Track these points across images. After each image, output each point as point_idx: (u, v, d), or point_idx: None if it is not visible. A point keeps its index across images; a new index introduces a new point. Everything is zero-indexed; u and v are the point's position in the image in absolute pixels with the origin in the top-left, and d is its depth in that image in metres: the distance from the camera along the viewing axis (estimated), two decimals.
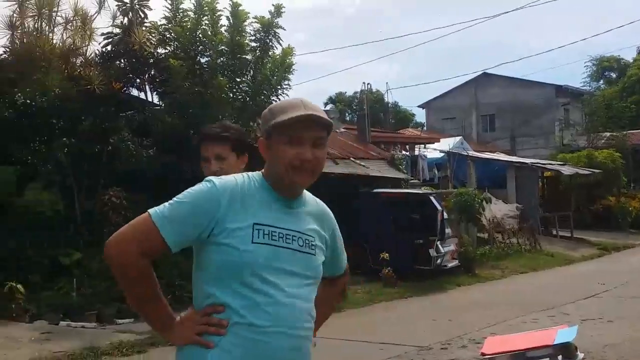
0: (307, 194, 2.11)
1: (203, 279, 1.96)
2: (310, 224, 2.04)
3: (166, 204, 1.93)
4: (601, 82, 38.09)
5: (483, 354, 3.06)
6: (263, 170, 2.05)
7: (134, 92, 13.04)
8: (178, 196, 1.95)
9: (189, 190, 1.97)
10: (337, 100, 44.80)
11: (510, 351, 3.00)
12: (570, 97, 34.20)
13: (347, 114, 40.48)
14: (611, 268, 14.56)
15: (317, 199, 2.15)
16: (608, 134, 28.19)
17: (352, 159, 15.18)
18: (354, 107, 43.31)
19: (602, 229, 22.05)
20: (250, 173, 2.06)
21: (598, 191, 24.12)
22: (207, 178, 2.00)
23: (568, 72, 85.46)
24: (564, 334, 2.99)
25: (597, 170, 22.84)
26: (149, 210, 1.92)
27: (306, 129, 1.95)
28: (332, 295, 2.28)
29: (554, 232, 20.32)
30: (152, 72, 12.98)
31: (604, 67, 37.79)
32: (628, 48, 60.13)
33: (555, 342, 2.95)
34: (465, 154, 21.14)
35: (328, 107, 40.90)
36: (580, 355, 2.97)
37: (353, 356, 7.31)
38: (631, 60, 36.76)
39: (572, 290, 11.39)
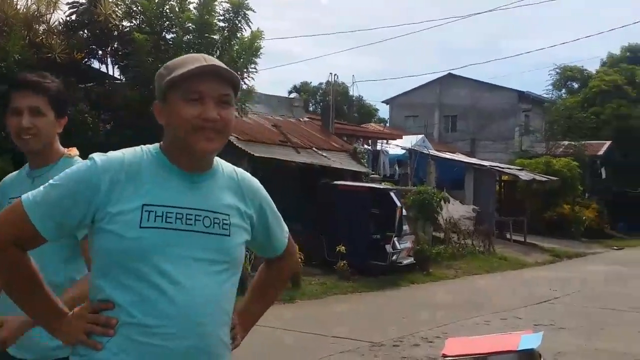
0: (222, 164, 1.83)
1: (93, 270, 1.72)
2: (225, 200, 1.75)
3: (41, 187, 1.69)
4: (563, 91, 38.77)
5: (444, 356, 2.93)
6: (162, 142, 1.77)
7: (96, 64, 12.70)
8: (54, 178, 1.70)
9: (66, 170, 1.71)
10: (302, 89, 44.52)
11: (472, 354, 2.88)
12: (532, 104, 34.71)
13: (310, 104, 40.27)
14: (563, 275, 14.76)
15: (239, 170, 1.87)
16: (567, 142, 28.71)
17: (314, 149, 15.01)
18: (319, 98, 43.19)
19: (555, 236, 22.46)
20: (145, 146, 1.79)
21: (553, 198, 24.55)
22: (90, 155, 1.73)
23: (531, 79, 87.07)
24: (528, 340, 2.89)
25: (554, 178, 23.24)
26: (22, 196, 1.69)
27: (209, 84, 1.69)
28: (273, 280, 2.02)
29: (508, 236, 20.58)
30: (116, 45, 12.62)
31: (567, 76, 38.45)
32: (592, 59, 61.42)
33: (519, 348, 2.84)
34: (427, 152, 21.22)
35: (292, 95, 40.69)
36: None
37: (304, 348, 7.17)
38: (594, 72, 37.52)
39: (525, 295, 11.49)
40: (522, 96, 34.36)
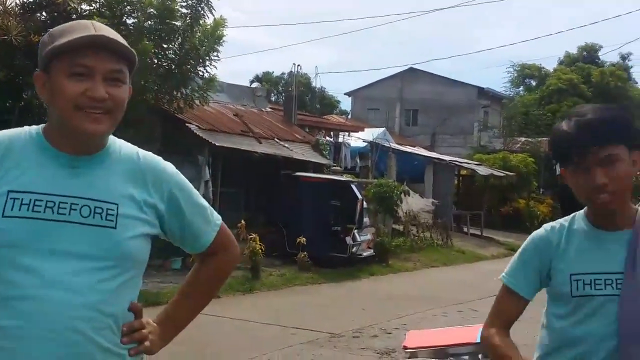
0: (122, 146, 1.62)
1: None
2: (114, 187, 1.54)
3: None
4: (521, 88, 39.51)
5: (405, 348, 2.97)
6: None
7: None
8: None
9: None
10: (264, 79, 44.30)
11: (433, 346, 2.92)
12: (491, 100, 35.30)
13: (273, 94, 40.12)
14: None
15: (145, 153, 1.65)
16: (523, 139, 29.31)
17: (276, 139, 14.96)
18: (281, 88, 43.04)
19: (510, 230, 22.91)
20: (29, 127, 1.59)
21: (510, 193, 25.07)
22: None
23: (490, 76, 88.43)
24: None
25: (511, 173, 23.72)
26: None
27: (97, 58, 1.48)
28: (203, 280, 1.75)
29: (466, 230, 20.92)
30: None
31: (525, 74, 39.19)
32: (549, 58, 62.76)
33: (477, 340, 2.89)
34: (388, 145, 21.38)
35: (254, 85, 40.45)
36: None
37: (264, 339, 7.16)
38: (551, 70, 38.33)
39: (481, 288, 11.67)
40: (482, 92, 34.90)
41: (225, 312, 8.48)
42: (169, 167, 1.68)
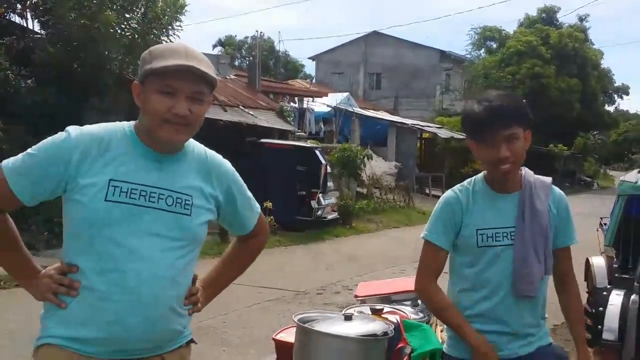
0: (195, 146, 1.95)
1: (64, 234, 1.85)
2: (190, 181, 1.88)
3: (21, 154, 1.81)
4: (482, 50, 40.04)
5: (356, 296, 3.41)
6: (137, 120, 1.89)
7: (16, 18, 12.32)
8: (33, 147, 1.82)
9: (44, 140, 1.82)
10: (227, 43, 43.91)
11: (379, 294, 3.36)
12: (453, 63, 35.77)
13: (237, 59, 39.90)
14: None
15: (210, 152, 1.99)
16: None
17: (241, 107, 15.19)
18: (244, 52, 42.76)
19: None
20: (122, 123, 1.90)
21: (470, 155, 25.66)
22: (67, 128, 1.84)
23: (452, 41, 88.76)
24: None
25: None
26: (2, 162, 1.82)
27: (184, 81, 1.79)
28: (242, 255, 2.17)
29: (427, 191, 21.57)
30: (35, 0, 12.27)
31: (486, 36, 39.68)
32: (509, 23, 63.41)
33: None
34: (351, 110, 21.74)
35: (217, 51, 40.13)
36: None
37: (233, 298, 7.55)
38: (512, 33, 38.86)
39: None
40: (444, 55, 35.31)
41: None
42: (228, 164, 2.03)
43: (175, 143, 1.85)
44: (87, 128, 1.85)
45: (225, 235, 11.18)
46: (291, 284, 8.33)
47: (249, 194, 2.09)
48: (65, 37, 11.23)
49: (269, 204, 12.35)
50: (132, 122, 1.90)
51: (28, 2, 12.24)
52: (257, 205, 2.13)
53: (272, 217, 12.39)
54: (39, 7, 11.98)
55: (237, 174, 2.05)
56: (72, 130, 1.83)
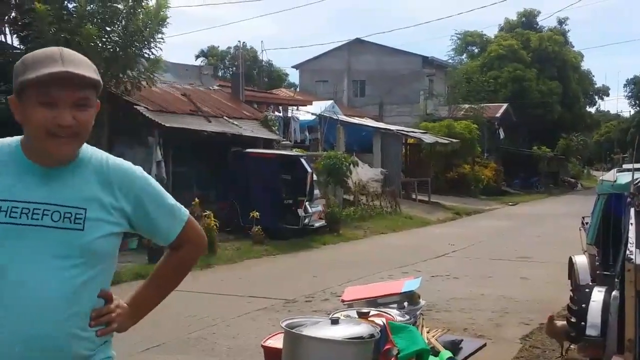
0: (93, 154, 1.80)
1: None
2: (83, 193, 1.73)
3: None
4: (464, 55, 40.39)
5: (343, 301, 3.44)
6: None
7: None
8: None
9: None
10: (210, 54, 43.94)
11: (365, 298, 3.40)
12: (436, 69, 36.03)
13: (220, 69, 39.91)
14: (461, 231, 15.89)
15: (113, 159, 1.82)
16: (467, 106, 30.19)
17: (225, 117, 15.20)
18: (227, 62, 42.79)
19: (456, 194, 23.83)
20: (9, 138, 1.78)
21: (455, 159, 25.95)
22: None
23: (434, 47, 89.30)
24: (409, 284, 3.44)
25: (455, 140, 24.54)
26: None
27: (63, 88, 1.65)
28: (172, 268, 1.97)
29: (414, 197, 21.66)
30: (14, 14, 12.24)
31: (468, 41, 40.05)
32: (490, 27, 64.07)
33: (402, 291, 3.38)
34: (336, 118, 21.81)
35: (200, 61, 40.12)
36: (422, 302, 3.42)
37: (222, 308, 7.58)
38: (493, 37, 39.25)
39: (426, 250, 12.37)
40: (426, 61, 35.55)
41: (184, 286, 8.66)
42: (137, 171, 1.84)
43: (64, 156, 1.72)
44: None
45: (213, 245, 11.16)
46: (280, 293, 8.34)
47: (170, 201, 1.90)
48: None
49: (255, 214, 12.39)
50: (19, 137, 1.77)
51: (6, 18, 12.21)
52: (184, 213, 1.93)
53: (258, 226, 12.42)
54: (18, 22, 11.95)
55: (149, 179, 1.87)
56: None
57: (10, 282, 1.63)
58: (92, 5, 11.59)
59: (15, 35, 12.45)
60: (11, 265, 1.63)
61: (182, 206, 1.95)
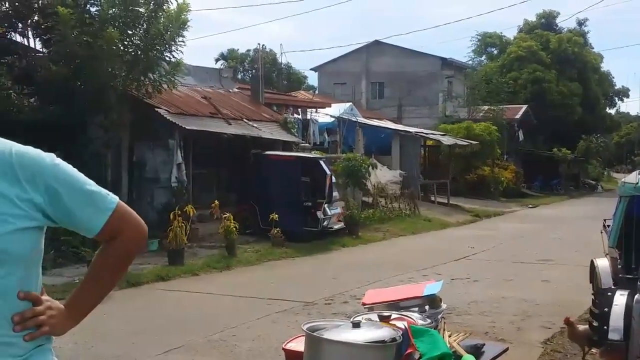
0: None
1: None
2: None
3: None
4: (484, 57, 40.17)
5: (364, 304, 3.45)
6: None
7: (17, 38, 12.48)
8: None
9: None
10: (230, 57, 44.19)
11: (386, 301, 3.41)
12: (455, 70, 35.87)
13: (239, 72, 40.12)
14: (481, 233, 15.80)
15: (18, 148, 1.65)
16: (486, 107, 30.00)
17: (245, 120, 15.27)
18: (247, 65, 42.98)
19: (476, 196, 23.68)
20: None
21: (474, 161, 25.82)
22: None
23: (453, 48, 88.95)
24: (431, 288, 3.44)
25: (475, 142, 24.41)
26: None
27: None
28: (103, 264, 1.79)
29: (432, 199, 21.58)
30: (37, 18, 12.44)
31: (487, 42, 39.83)
32: (509, 28, 63.64)
33: (423, 294, 3.39)
34: (355, 120, 21.81)
35: (220, 64, 40.34)
36: (444, 305, 3.42)
37: (241, 310, 7.62)
38: (512, 38, 39.00)
39: (446, 253, 12.33)
40: (445, 63, 35.40)
41: (204, 288, 8.94)
42: (46, 159, 1.66)
43: None
44: None
45: (232, 248, 11.24)
46: (299, 295, 8.36)
47: (89, 187, 1.70)
48: (68, 55, 11.35)
49: (274, 216, 12.44)
50: None
51: (29, 21, 12.40)
52: (110, 201, 1.72)
53: (278, 228, 12.46)
54: (41, 26, 12.13)
55: (62, 166, 1.68)
56: None
57: None
58: (114, 9, 11.76)
59: (38, 39, 12.64)
60: None
61: (110, 193, 1.74)
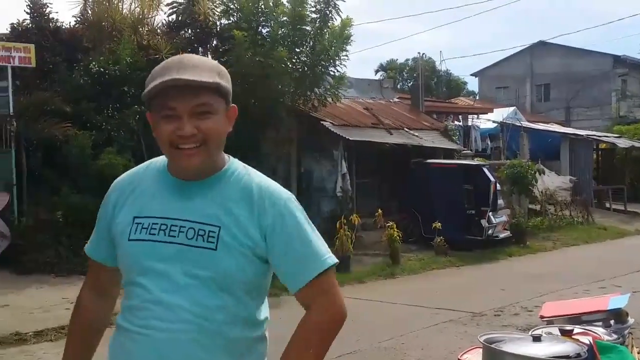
0: (236, 171, 1.68)
1: None
2: (221, 211, 1.60)
3: None
4: None
5: (542, 317, 3.40)
6: None
7: None
8: None
9: None
10: (389, 67, 44.55)
11: (567, 315, 3.32)
12: (629, 68, 33.27)
13: (398, 82, 40.32)
14: None
15: (259, 179, 1.67)
16: None
17: (405, 129, 15.39)
18: (406, 75, 43.09)
19: None
20: (160, 157, 1.74)
21: None
22: None
23: (625, 46, 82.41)
24: (616, 301, 3.30)
25: None
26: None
27: (180, 97, 1.55)
28: (297, 334, 1.65)
29: (607, 205, 20.17)
30: (215, 42, 13.52)
31: None
32: None
33: (608, 308, 3.26)
34: (519, 124, 21.04)
35: (380, 75, 40.83)
36: (631, 320, 3.27)
37: (409, 319, 7.71)
38: None
39: (624, 263, 11.49)
40: (618, 60, 32.99)
41: (370, 295, 9.15)
42: (283, 197, 1.64)
43: (193, 168, 1.60)
44: (130, 170, 1.80)
45: (396, 256, 11.37)
46: (466, 305, 8.27)
47: (310, 247, 1.62)
48: (243, 75, 12.20)
49: (437, 224, 12.39)
50: None
51: (208, 45, 13.52)
52: (320, 266, 1.61)
53: (441, 237, 12.39)
54: (219, 49, 13.16)
55: (294, 209, 1.64)
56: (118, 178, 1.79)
57: (146, 299, 1.60)
58: (283, 29, 12.45)
59: (217, 62, 13.74)
60: (150, 284, 1.59)
61: (330, 254, 1.65)
